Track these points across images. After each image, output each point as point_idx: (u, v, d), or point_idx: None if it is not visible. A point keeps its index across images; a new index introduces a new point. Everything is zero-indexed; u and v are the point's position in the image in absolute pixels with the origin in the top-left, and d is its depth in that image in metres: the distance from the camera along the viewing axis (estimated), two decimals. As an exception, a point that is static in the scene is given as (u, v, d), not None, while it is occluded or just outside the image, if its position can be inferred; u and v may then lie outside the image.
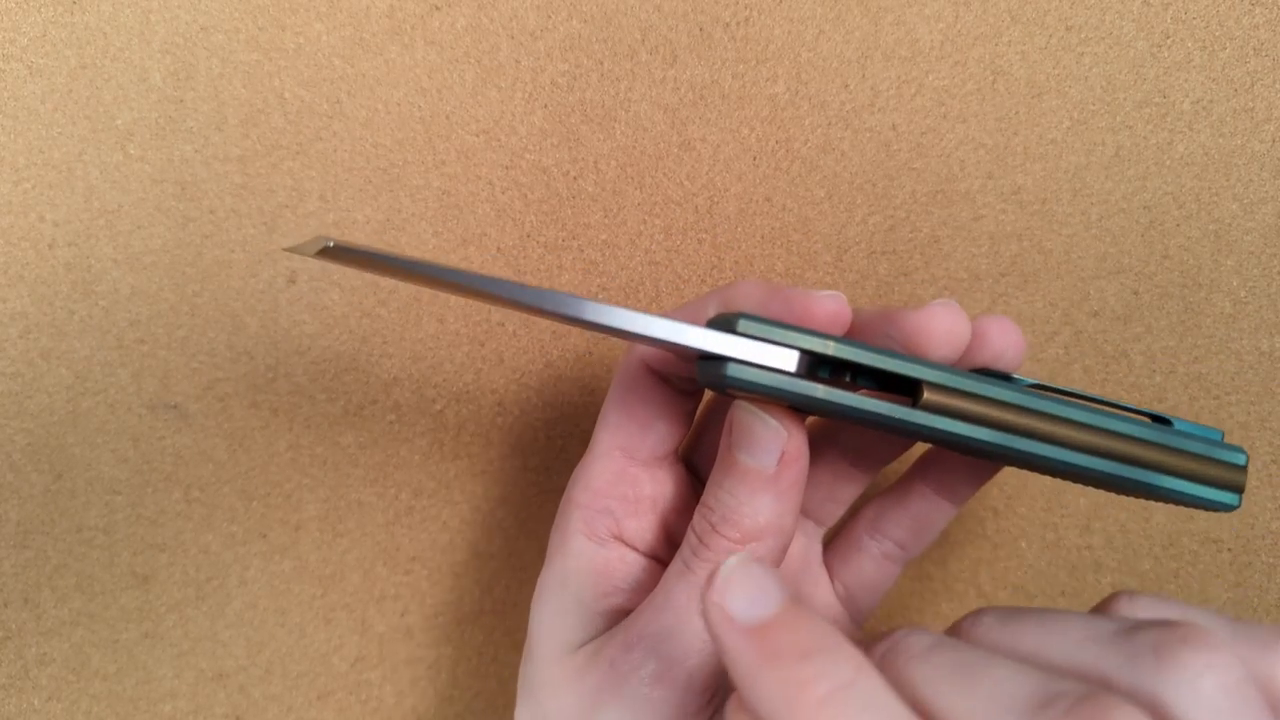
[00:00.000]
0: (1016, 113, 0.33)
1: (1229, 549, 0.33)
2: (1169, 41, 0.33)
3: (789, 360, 0.19)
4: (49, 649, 0.30)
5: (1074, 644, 0.18)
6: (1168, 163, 0.33)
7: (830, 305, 0.21)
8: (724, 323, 0.20)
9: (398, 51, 0.31)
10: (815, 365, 0.20)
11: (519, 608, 0.33)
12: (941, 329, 0.21)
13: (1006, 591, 0.34)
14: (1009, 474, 0.34)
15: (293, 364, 0.31)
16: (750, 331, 0.19)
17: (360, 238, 0.31)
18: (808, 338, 0.19)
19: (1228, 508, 0.21)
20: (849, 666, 0.16)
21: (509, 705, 0.33)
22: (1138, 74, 0.33)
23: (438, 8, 0.31)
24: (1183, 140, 0.33)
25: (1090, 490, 0.34)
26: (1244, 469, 0.21)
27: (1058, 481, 0.34)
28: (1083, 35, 0.33)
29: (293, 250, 0.19)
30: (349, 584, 0.32)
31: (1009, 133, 0.33)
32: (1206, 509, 0.22)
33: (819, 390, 0.19)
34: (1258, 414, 0.33)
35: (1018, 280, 0.33)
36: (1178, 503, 0.22)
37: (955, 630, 0.20)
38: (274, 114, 0.31)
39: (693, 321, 0.22)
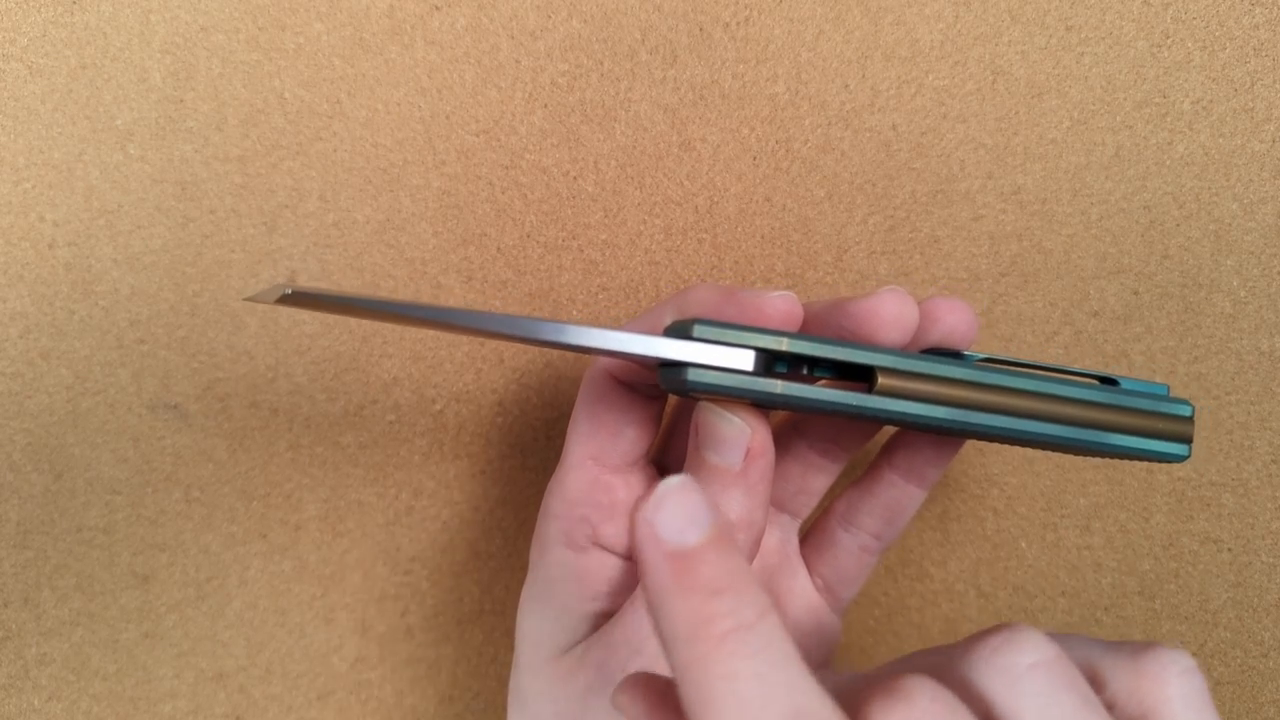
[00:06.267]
0: (1016, 113, 0.33)
1: (1229, 549, 0.33)
2: (1169, 41, 0.33)
3: (745, 360, 0.20)
4: (49, 649, 0.30)
5: (931, 655, 0.20)
6: (1168, 163, 0.33)
7: (782, 305, 0.21)
8: (680, 330, 0.20)
9: (398, 51, 0.31)
10: (772, 362, 0.20)
11: (519, 608, 0.33)
12: (890, 315, 0.21)
13: (1006, 591, 0.34)
14: (1009, 474, 0.34)
15: (293, 364, 0.31)
16: (706, 336, 0.20)
17: (360, 238, 0.31)
18: (761, 336, 0.20)
19: (1178, 458, 0.22)
20: (754, 610, 0.16)
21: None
22: (1138, 74, 0.33)
23: (438, 8, 0.31)
24: (1183, 140, 0.33)
25: (1090, 490, 0.34)
26: (1190, 420, 0.22)
27: (1058, 481, 0.34)
28: (1083, 35, 0.33)
29: (253, 299, 0.20)
30: (349, 584, 0.32)
31: (1009, 133, 0.33)
32: (1159, 461, 0.22)
33: (777, 386, 0.20)
34: (1258, 414, 0.33)
35: (1018, 280, 0.33)
36: (1132, 458, 0.23)
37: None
38: (274, 114, 0.31)
39: (651, 331, 0.22)
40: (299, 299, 0.19)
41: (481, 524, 0.33)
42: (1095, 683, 0.20)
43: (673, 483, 0.17)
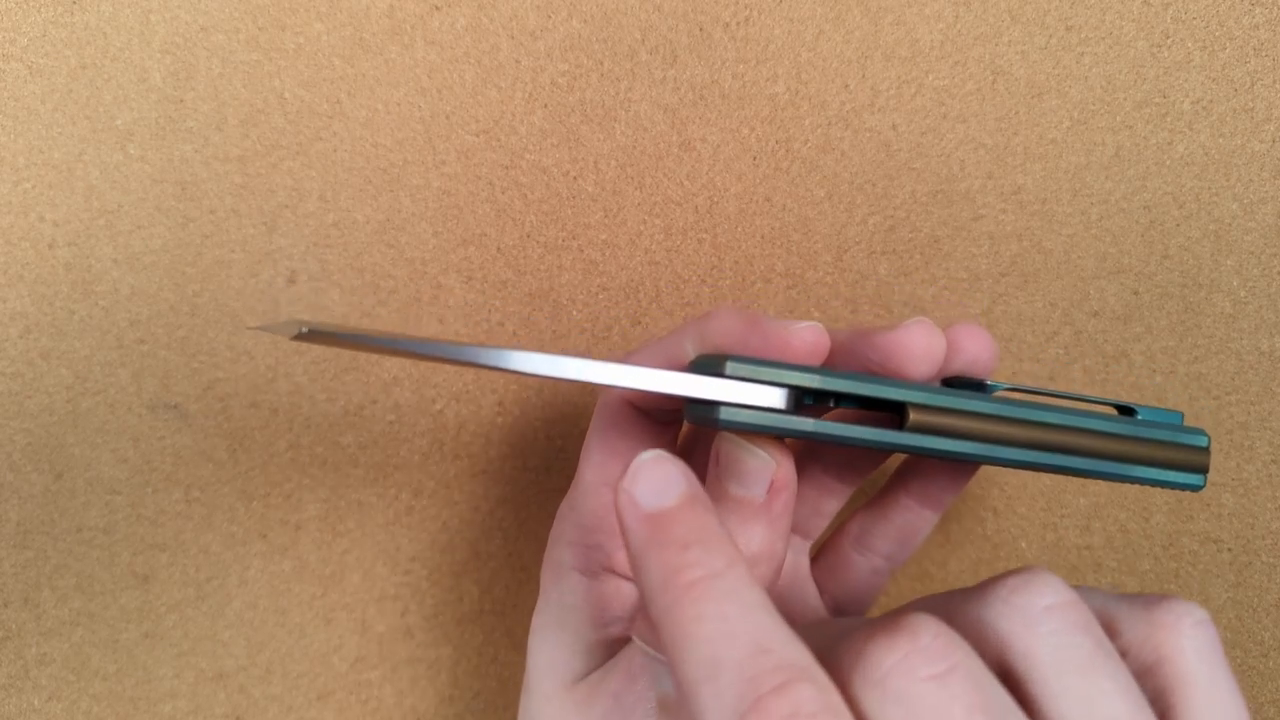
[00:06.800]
0: (1016, 113, 0.33)
1: (1229, 549, 0.33)
2: (1169, 41, 0.33)
3: (777, 398, 0.20)
4: (49, 649, 0.31)
5: (943, 599, 0.21)
6: (1168, 163, 0.33)
7: (809, 336, 0.21)
8: (709, 366, 0.20)
9: (398, 51, 0.31)
10: (801, 396, 0.20)
11: (519, 608, 0.33)
12: (919, 348, 0.21)
13: (1006, 591, 0.34)
14: (1009, 475, 0.34)
15: (293, 364, 0.31)
16: (738, 374, 0.20)
17: (360, 238, 0.31)
18: (794, 374, 0.20)
19: (1194, 488, 0.23)
20: (722, 560, 0.18)
21: (509, 705, 0.33)
22: (1138, 74, 0.33)
23: (438, 8, 0.31)
24: (1183, 140, 0.33)
25: (1090, 490, 0.34)
26: (1207, 450, 0.23)
27: (1058, 481, 0.34)
28: (1083, 35, 0.33)
29: (265, 330, 0.20)
30: (349, 584, 0.32)
31: (1009, 133, 0.33)
32: (1175, 489, 0.23)
33: (809, 424, 0.20)
34: (1258, 414, 0.33)
35: (1018, 280, 0.33)
36: (1149, 486, 0.23)
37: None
38: (274, 114, 0.31)
39: (673, 359, 0.22)
40: (314, 337, 0.18)
41: (482, 524, 0.33)
42: (1110, 631, 0.20)
43: (646, 456, 0.19)
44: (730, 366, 0.20)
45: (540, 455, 0.33)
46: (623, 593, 0.25)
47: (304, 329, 0.18)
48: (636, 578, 0.18)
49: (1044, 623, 0.18)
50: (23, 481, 0.30)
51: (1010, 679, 0.18)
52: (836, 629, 0.19)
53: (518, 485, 0.33)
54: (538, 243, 0.32)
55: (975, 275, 0.33)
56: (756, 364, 0.20)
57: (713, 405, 0.20)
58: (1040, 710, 0.18)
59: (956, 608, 0.20)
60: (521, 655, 0.33)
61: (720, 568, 0.17)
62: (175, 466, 0.31)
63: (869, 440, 0.20)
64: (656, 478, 0.19)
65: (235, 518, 0.31)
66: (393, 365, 0.31)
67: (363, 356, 0.31)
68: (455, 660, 0.33)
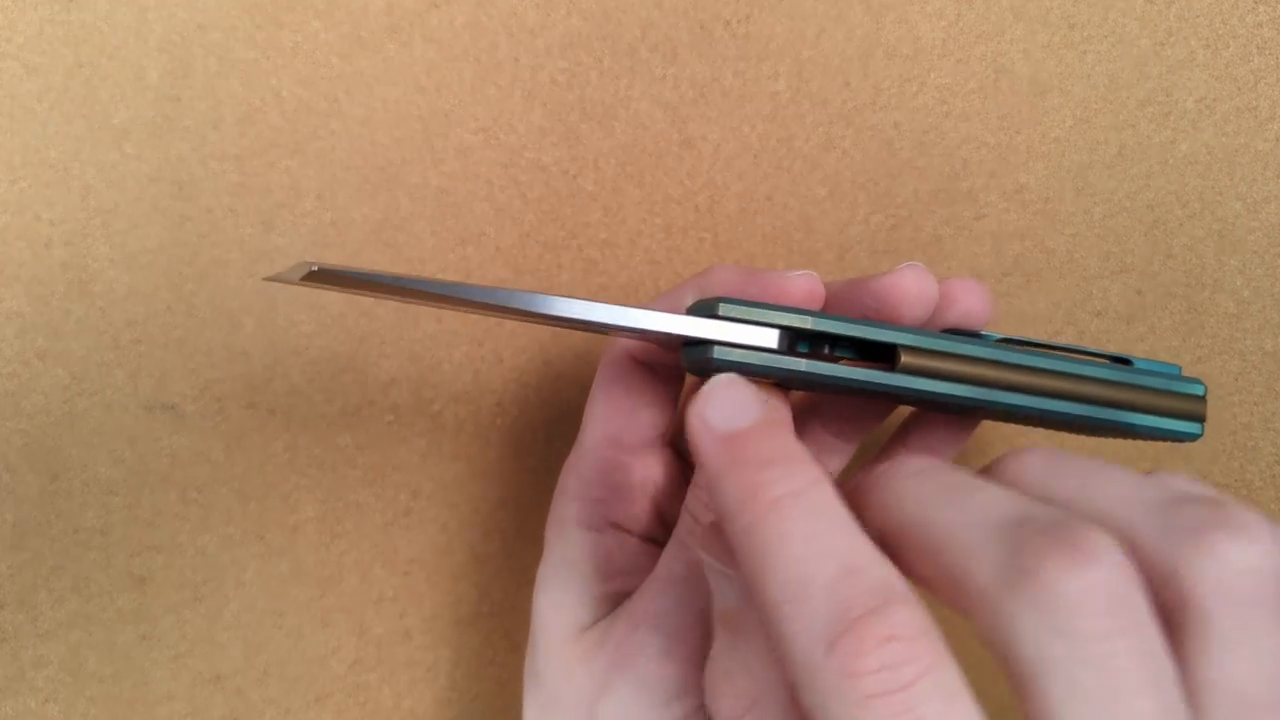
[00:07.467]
0: (1019, 111, 0.33)
1: (1233, 550, 0.33)
2: (1172, 40, 0.33)
3: (770, 338, 0.20)
4: (45, 651, 0.30)
5: (1115, 501, 0.17)
6: (1171, 161, 0.33)
7: (804, 284, 0.22)
8: (705, 308, 0.20)
9: (395, 49, 0.31)
10: (795, 341, 0.21)
11: (517, 610, 0.33)
12: (911, 291, 0.21)
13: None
14: (1011, 475, 0.33)
15: (290, 364, 0.31)
16: (731, 314, 0.20)
17: (358, 237, 0.31)
18: (787, 315, 0.20)
19: (1192, 437, 0.23)
20: (804, 478, 0.17)
21: (507, 708, 0.33)
22: (1141, 72, 0.33)
23: (436, 5, 0.31)
24: (1186, 139, 0.33)
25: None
26: (1203, 399, 0.23)
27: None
28: (1086, 33, 0.33)
29: (274, 279, 0.20)
30: (347, 586, 0.32)
31: (1012, 131, 0.33)
32: (1173, 439, 0.23)
33: (801, 364, 0.20)
34: (1261, 414, 0.33)
35: (1021, 280, 0.33)
36: (1147, 437, 0.23)
37: (995, 465, 0.20)
38: (271, 112, 0.30)
39: (673, 310, 0.22)
40: (323, 276, 0.18)
41: (480, 526, 0.32)
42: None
43: (720, 379, 0.19)
44: (723, 307, 0.20)
45: (539, 456, 0.33)
46: (624, 546, 0.25)
47: (314, 268, 0.18)
48: (712, 499, 0.18)
49: (1239, 585, 0.15)
50: (18, 482, 0.30)
51: (1169, 620, 0.16)
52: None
53: (517, 487, 0.33)
54: (537, 242, 0.32)
55: (978, 274, 0.33)
56: (749, 305, 0.20)
57: (706, 345, 0.20)
58: (1192, 674, 0.15)
59: (1125, 513, 0.17)
60: (520, 657, 0.33)
61: (803, 485, 0.17)
62: (172, 467, 0.31)
63: (859, 381, 0.20)
64: (731, 399, 0.19)
65: (232, 519, 0.31)
66: (390, 365, 0.31)
67: (360, 356, 0.31)
68: (453, 663, 0.33)
